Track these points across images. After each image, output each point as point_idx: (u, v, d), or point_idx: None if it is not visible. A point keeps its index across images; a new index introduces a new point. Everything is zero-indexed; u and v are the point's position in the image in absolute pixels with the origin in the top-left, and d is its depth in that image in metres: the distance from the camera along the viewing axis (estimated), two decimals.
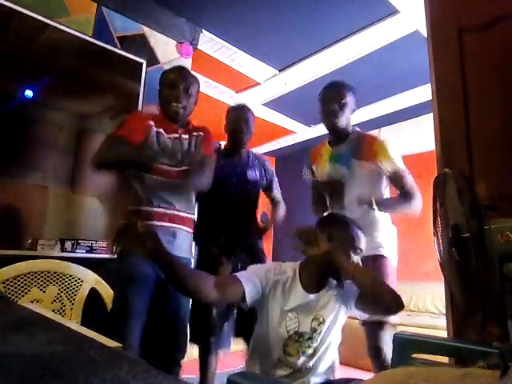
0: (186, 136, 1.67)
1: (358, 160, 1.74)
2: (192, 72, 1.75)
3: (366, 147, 1.75)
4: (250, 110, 2.12)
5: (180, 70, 1.71)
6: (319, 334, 1.25)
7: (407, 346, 1.03)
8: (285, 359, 1.23)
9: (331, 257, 1.20)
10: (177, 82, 1.62)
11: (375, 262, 1.68)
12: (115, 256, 1.57)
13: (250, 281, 1.23)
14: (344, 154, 1.79)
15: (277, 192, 2.22)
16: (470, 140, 1.23)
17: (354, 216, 1.57)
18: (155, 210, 1.53)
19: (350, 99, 1.78)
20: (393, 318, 1.63)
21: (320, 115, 1.84)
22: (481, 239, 0.83)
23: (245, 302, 1.20)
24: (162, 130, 1.60)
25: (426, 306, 3.61)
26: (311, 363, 1.26)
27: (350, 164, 1.76)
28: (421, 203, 1.69)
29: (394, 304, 1.19)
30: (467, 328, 1.13)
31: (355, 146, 1.78)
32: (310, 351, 1.26)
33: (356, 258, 1.30)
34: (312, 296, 1.28)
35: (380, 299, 1.21)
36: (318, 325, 1.26)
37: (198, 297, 1.19)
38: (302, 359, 1.24)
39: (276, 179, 2.23)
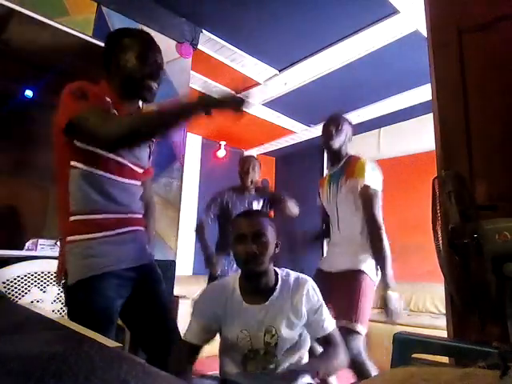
0: None
1: (345, 179, 1.97)
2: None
3: (351, 166, 1.98)
4: (256, 159, 2.74)
5: (149, 37, 1.34)
6: (275, 346, 1.19)
7: (407, 345, 1.03)
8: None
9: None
10: (149, 53, 1.27)
11: (354, 276, 1.82)
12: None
13: (195, 331, 1.23)
14: (335, 174, 2.04)
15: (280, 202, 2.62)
16: (470, 140, 1.23)
17: (346, 234, 1.92)
18: (111, 216, 1.21)
19: (346, 127, 2.05)
20: (359, 327, 1.74)
21: (322, 140, 2.09)
22: (477, 240, 0.83)
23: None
24: (117, 112, 1.23)
25: (426, 306, 3.61)
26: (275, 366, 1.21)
27: (338, 183, 2.00)
28: (382, 236, 1.84)
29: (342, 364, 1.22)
30: (467, 328, 1.13)
31: (344, 167, 2.02)
32: (272, 366, 1.20)
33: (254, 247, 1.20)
34: (258, 308, 1.21)
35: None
36: (271, 338, 1.19)
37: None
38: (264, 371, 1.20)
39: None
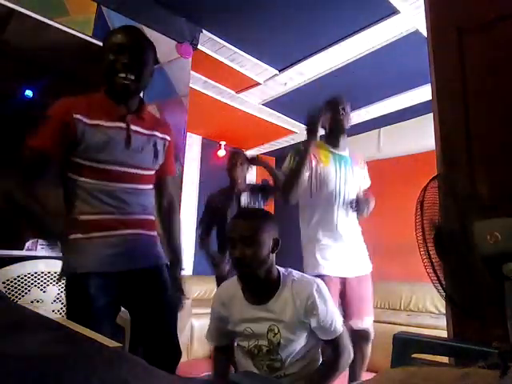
0: (138, 128, 1.28)
1: (353, 168, 1.99)
2: (146, 36, 1.36)
3: (356, 157, 2.05)
4: (243, 154, 2.61)
5: (129, 30, 1.32)
6: (278, 345, 1.19)
7: (407, 345, 1.03)
8: (258, 373, 1.22)
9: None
10: (125, 44, 1.22)
11: (367, 280, 1.92)
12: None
13: (213, 334, 1.34)
14: (344, 158, 2.00)
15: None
16: (470, 140, 1.23)
17: (350, 226, 1.92)
18: (106, 217, 1.21)
19: (349, 110, 2.02)
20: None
21: (327, 119, 1.97)
22: (470, 242, 0.83)
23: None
24: (97, 120, 1.20)
25: (425, 306, 3.61)
26: (283, 373, 1.21)
27: (350, 165, 1.98)
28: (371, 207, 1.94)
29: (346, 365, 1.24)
30: (467, 328, 1.13)
31: (352, 156, 2.03)
32: (277, 364, 1.21)
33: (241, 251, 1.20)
34: (261, 308, 1.22)
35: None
36: (274, 336, 1.20)
37: None
38: (270, 373, 1.21)
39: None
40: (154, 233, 1.36)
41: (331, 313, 1.22)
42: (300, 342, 1.23)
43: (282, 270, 1.29)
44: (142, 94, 1.40)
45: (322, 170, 1.91)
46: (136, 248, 1.27)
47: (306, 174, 1.85)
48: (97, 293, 1.17)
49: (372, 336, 1.87)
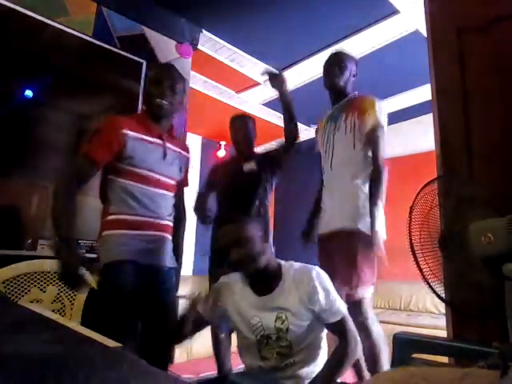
0: (171, 146, 1.56)
1: (346, 114, 1.85)
2: (180, 72, 1.61)
3: (357, 103, 1.87)
4: (248, 118, 2.29)
5: (167, 67, 1.66)
6: (286, 332, 1.24)
7: (407, 345, 1.03)
8: (265, 364, 1.26)
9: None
10: (162, 77, 1.53)
11: (350, 237, 1.69)
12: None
13: (205, 309, 1.37)
14: (336, 111, 1.92)
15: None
16: (470, 140, 1.23)
17: (338, 179, 1.80)
18: (142, 219, 1.45)
19: (349, 65, 1.92)
20: (360, 293, 1.64)
21: (323, 80, 1.98)
22: (465, 243, 0.83)
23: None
24: (142, 135, 1.48)
25: (425, 306, 3.61)
26: (292, 360, 1.25)
27: (337, 120, 1.87)
28: (385, 177, 1.75)
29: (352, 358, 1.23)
30: (467, 328, 1.13)
31: (347, 104, 1.90)
32: (286, 351, 1.25)
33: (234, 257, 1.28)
34: (267, 298, 1.28)
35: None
36: (282, 323, 1.25)
37: None
38: (280, 360, 1.25)
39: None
40: (170, 237, 1.57)
41: (332, 295, 1.27)
42: (307, 327, 1.26)
43: (282, 262, 1.37)
44: None
45: (318, 135, 2.02)
46: (161, 248, 1.50)
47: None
48: (130, 277, 1.38)
49: (367, 314, 1.66)
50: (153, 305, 1.46)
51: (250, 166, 2.13)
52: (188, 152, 1.69)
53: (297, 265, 1.35)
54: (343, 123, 1.85)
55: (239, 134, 2.20)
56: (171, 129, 1.62)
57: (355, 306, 1.61)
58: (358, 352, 1.26)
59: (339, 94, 1.94)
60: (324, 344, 1.35)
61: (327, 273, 1.31)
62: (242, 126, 2.22)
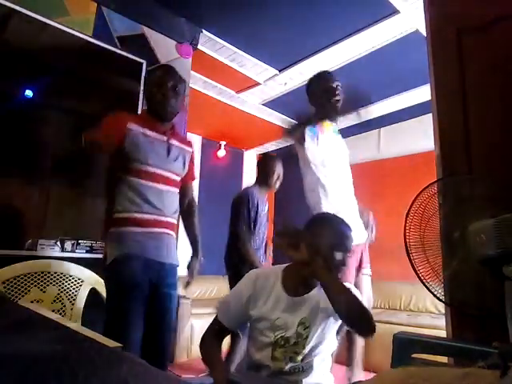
0: (175, 142, 1.63)
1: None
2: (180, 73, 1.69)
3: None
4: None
5: (168, 68, 1.70)
6: (305, 339, 1.22)
7: (407, 345, 1.03)
8: (273, 364, 1.23)
9: (310, 261, 1.18)
10: (164, 79, 1.59)
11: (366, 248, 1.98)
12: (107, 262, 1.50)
13: (227, 316, 1.30)
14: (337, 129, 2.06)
15: None
16: (470, 140, 1.23)
17: (350, 196, 1.96)
18: (147, 216, 1.50)
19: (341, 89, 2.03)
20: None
21: (322, 97, 1.97)
22: (465, 243, 0.83)
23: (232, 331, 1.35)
24: (147, 131, 1.55)
25: (426, 306, 3.61)
26: (301, 367, 1.23)
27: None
28: None
29: (365, 326, 1.16)
30: (467, 328, 1.13)
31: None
32: (299, 358, 1.22)
33: (340, 261, 1.24)
34: (297, 300, 1.25)
35: (351, 318, 1.17)
36: (304, 329, 1.22)
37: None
38: (289, 365, 1.22)
39: None
40: (175, 234, 1.63)
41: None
42: (325, 340, 1.25)
43: None
44: None
45: (329, 141, 2.02)
46: (165, 245, 1.55)
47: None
48: (137, 270, 1.43)
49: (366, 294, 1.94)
50: (156, 301, 1.50)
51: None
52: (191, 146, 1.74)
53: None
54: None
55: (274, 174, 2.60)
56: (173, 126, 1.67)
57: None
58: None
59: (336, 111, 2.00)
60: (330, 360, 1.34)
61: None
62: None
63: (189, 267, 1.71)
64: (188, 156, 1.69)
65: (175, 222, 1.63)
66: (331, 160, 1.93)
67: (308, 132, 1.91)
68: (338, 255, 1.24)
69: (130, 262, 1.43)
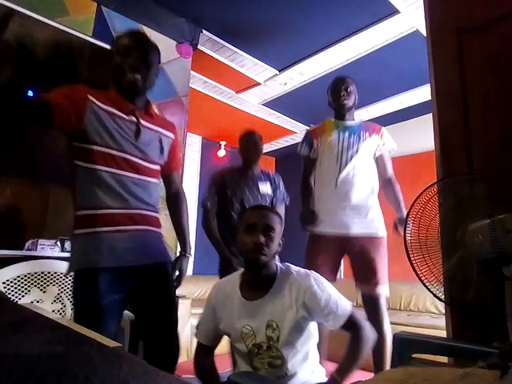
0: (147, 124, 1.35)
1: (369, 133, 2.06)
2: (151, 40, 1.41)
3: (373, 126, 2.12)
4: (258, 135, 2.39)
5: (136, 34, 1.38)
6: (277, 341, 1.17)
7: (407, 345, 1.03)
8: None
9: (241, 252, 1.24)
10: (133, 47, 1.30)
11: (373, 241, 1.92)
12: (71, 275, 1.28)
13: (205, 336, 1.30)
14: (353, 126, 2.07)
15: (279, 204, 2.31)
16: (470, 140, 1.23)
17: (358, 189, 1.95)
18: (117, 211, 1.24)
19: (354, 88, 2.12)
20: (383, 289, 1.88)
21: (331, 99, 2.14)
22: (464, 243, 0.83)
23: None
24: (110, 109, 1.26)
25: (426, 306, 3.61)
26: (285, 373, 1.19)
27: (360, 135, 2.03)
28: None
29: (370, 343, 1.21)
30: (467, 328, 1.13)
31: (361, 125, 2.10)
32: (278, 362, 1.18)
33: (263, 239, 1.19)
34: (257, 303, 1.20)
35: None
36: (273, 331, 1.17)
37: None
38: (271, 371, 1.18)
39: (282, 190, 2.37)
40: (160, 230, 1.41)
41: (334, 298, 1.20)
42: (300, 338, 1.21)
43: (279, 264, 1.30)
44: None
45: (324, 140, 2.08)
46: (147, 244, 1.32)
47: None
48: (107, 288, 1.19)
49: (381, 305, 1.87)
50: (148, 307, 1.33)
51: (265, 188, 2.25)
52: (172, 131, 1.46)
53: (293, 268, 1.27)
54: (366, 137, 2.05)
55: (252, 150, 2.29)
56: (148, 105, 1.39)
57: (373, 302, 1.86)
58: (373, 335, 1.22)
59: (347, 112, 2.09)
60: (319, 357, 1.31)
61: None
62: (257, 143, 2.32)
63: (174, 268, 1.45)
64: (167, 141, 1.41)
65: (154, 215, 1.38)
66: (325, 157, 2.06)
67: (302, 146, 2.19)
68: (251, 236, 1.21)
69: (91, 281, 1.17)
